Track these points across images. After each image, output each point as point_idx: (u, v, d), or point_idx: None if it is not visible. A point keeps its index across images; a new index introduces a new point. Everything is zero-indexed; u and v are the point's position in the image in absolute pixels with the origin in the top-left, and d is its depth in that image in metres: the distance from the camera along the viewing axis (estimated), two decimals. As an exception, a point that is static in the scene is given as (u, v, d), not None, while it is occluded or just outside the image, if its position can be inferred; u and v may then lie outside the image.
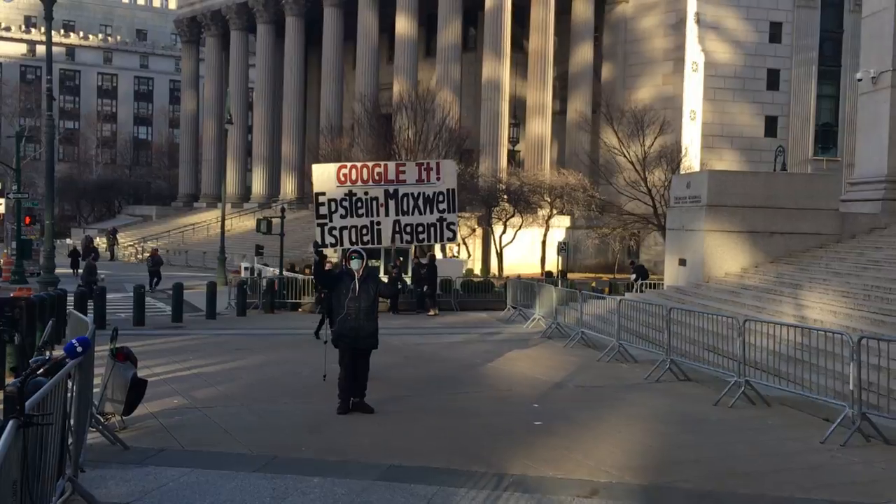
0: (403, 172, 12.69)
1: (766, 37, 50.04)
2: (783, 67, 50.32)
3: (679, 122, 47.21)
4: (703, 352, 12.68)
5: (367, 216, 12.42)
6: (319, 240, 12.23)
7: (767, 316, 14.46)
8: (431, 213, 12.52)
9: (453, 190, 12.79)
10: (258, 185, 62.05)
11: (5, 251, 39.45)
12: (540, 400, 10.40)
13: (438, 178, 12.63)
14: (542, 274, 40.65)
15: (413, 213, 12.51)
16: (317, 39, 58.53)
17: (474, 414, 9.48)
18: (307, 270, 28.12)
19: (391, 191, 12.47)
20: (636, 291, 23.63)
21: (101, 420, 7.80)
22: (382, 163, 13.01)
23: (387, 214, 12.45)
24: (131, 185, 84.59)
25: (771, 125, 50.63)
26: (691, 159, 42.88)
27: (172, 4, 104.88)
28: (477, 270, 41.62)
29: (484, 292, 26.13)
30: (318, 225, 12.36)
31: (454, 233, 12.87)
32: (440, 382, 11.80)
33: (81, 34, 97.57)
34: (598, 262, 47.70)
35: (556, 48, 50.42)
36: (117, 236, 56.91)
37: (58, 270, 39.39)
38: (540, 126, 49.44)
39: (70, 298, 17.77)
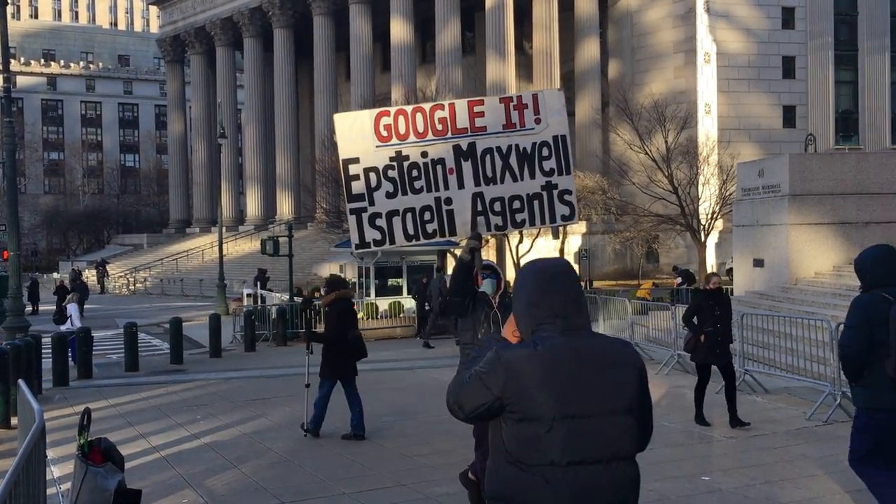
0: (482, 115, 7.64)
1: (779, 23, 47.68)
2: (798, 54, 47.91)
3: (694, 117, 44.58)
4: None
5: (429, 191, 7.59)
6: (356, 236, 7.62)
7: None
8: (532, 176, 7.56)
9: (564, 137, 7.63)
10: (253, 206, 59.31)
11: (-15, 291, 36.39)
12: (700, 465, 7.57)
13: (538, 121, 7.60)
14: (562, 284, 37.92)
15: (503, 181, 7.61)
16: (306, 52, 55.95)
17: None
18: (316, 293, 25.23)
19: (464, 146, 7.57)
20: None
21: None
22: (446, 102, 7.79)
23: (461, 186, 7.58)
24: (120, 214, 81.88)
25: (789, 115, 48.18)
26: (717, 154, 40.27)
27: (154, 28, 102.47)
28: (494, 284, 38.75)
29: (520, 309, 23.22)
30: (352, 212, 7.59)
31: (572, 207, 7.61)
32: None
33: (62, 63, 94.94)
34: (616, 269, 45.06)
35: (560, 47, 47.96)
36: (107, 267, 53.95)
37: (44, 308, 37.01)
38: (549, 128, 46.88)
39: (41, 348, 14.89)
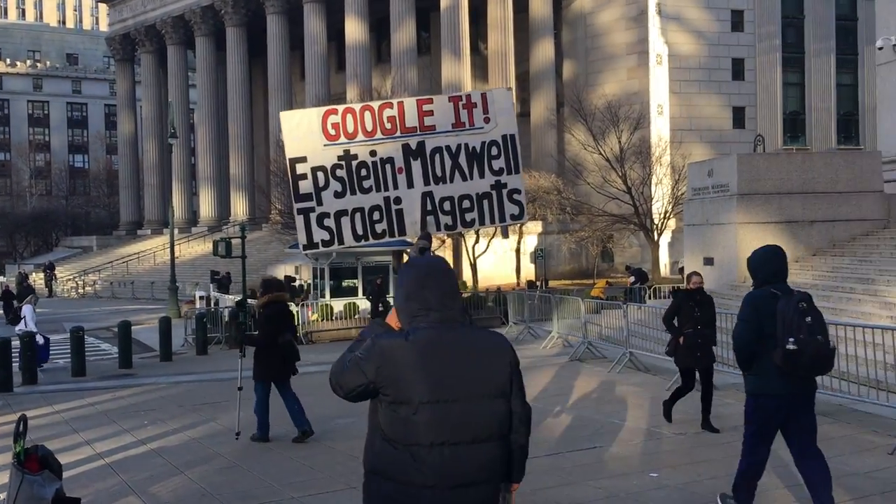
0: (431, 114, 7.59)
1: (729, 25, 48.51)
2: (747, 56, 48.82)
3: (647, 117, 45.13)
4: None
5: (378, 190, 7.48)
6: (304, 237, 7.47)
7: (851, 319, 12.07)
8: (482, 175, 7.60)
9: (513, 136, 7.72)
10: (206, 207, 58.51)
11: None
12: (648, 461, 7.61)
13: (487, 120, 7.67)
14: (518, 284, 38.13)
15: (452, 180, 7.57)
16: (260, 51, 55.40)
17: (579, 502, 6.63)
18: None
19: (414, 145, 7.48)
20: (649, 298, 21.09)
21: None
22: (395, 101, 7.77)
23: (410, 185, 7.51)
24: (69, 216, 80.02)
25: (738, 116, 49.06)
26: (668, 154, 40.86)
27: (104, 26, 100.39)
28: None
29: (476, 308, 23.31)
30: (300, 212, 7.42)
31: (521, 206, 7.80)
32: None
33: (8, 61, 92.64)
34: (572, 269, 45.37)
35: (515, 48, 48.21)
36: (55, 271, 52.75)
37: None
38: (504, 128, 47.11)
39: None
